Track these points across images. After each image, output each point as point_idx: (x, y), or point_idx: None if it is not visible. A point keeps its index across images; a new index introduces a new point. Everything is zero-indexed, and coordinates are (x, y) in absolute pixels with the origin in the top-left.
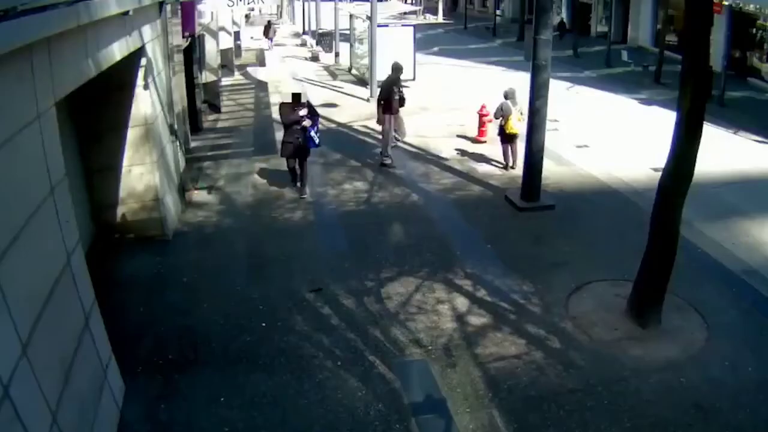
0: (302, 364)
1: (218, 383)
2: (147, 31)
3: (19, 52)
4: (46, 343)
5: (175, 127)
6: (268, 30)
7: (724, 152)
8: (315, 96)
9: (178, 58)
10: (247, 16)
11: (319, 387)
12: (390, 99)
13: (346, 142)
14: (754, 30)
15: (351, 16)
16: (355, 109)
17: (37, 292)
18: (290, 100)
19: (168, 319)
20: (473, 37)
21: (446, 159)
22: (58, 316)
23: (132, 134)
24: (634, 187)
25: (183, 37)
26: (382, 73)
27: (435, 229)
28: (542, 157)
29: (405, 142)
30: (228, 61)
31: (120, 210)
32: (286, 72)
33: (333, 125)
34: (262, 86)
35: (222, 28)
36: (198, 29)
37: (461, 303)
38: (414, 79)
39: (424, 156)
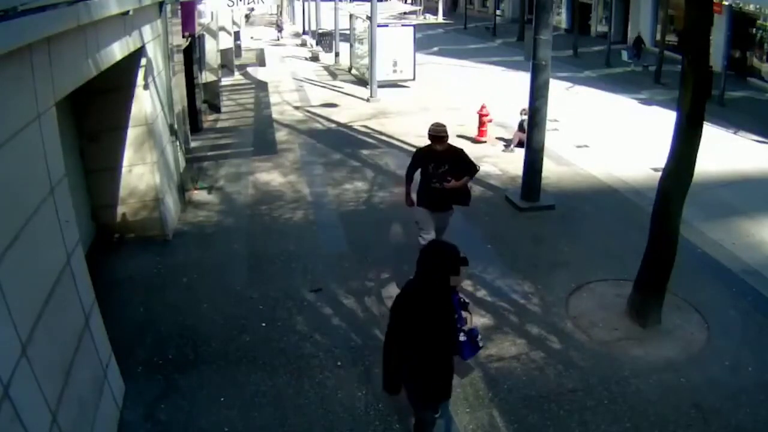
0: (302, 364)
1: (218, 383)
2: (147, 31)
3: (19, 52)
4: (46, 343)
5: (175, 127)
6: (277, 24)
7: (724, 152)
8: (315, 96)
9: (178, 58)
10: (247, 16)
11: (319, 387)
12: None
13: (346, 142)
14: (754, 30)
15: (351, 16)
16: (355, 109)
17: (37, 292)
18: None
19: (168, 319)
20: (473, 37)
21: None
22: (58, 316)
23: (132, 134)
24: (634, 187)
25: (183, 37)
26: (382, 73)
27: None
28: (542, 157)
29: (405, 142)
30: (228, 61)
31: (120, 210)
32: (286, 72)
33: (333, 125)
34: (262, 86)
35: (222, 28)
36: (198, 29)
37: None
38: (414, 79)
39: None
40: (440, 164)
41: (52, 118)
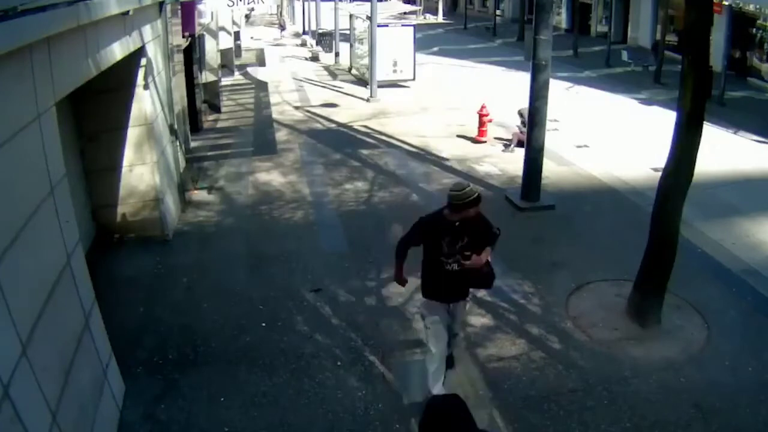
0: (302, 364)
1: (218, 383)
2: (147, 31)
3: (19, 52)
4: (46, 343)
5: (175, 127)
6: (279, 23)
7: (724, 152)
8: (315, 96)
9: (178, 58)
10: (247, 16)
11: (319, 387)
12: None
13: (346, 142)
14: (754, 30)
15: (351, 16)
16: (355, 109)
17: (37, 292)
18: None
19: (168, 319)
20: (473, 37)
21: (446, 159)
22: (58, 316)
23: (132, 134)
24: (634, 187)
25: (183, 37)
26: (382, 73)
27: None
28: (542, 157)
29: (405, 142)
30: (228, 61)
31: (120, 210)
32: (286, 72)
33: (333, 125)
34: (262, 86)
35: (222, 28)
36: (198, 29)
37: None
38: (414, 79)
39: (424, 156)
40: (458, 238)
41: (52, 118)
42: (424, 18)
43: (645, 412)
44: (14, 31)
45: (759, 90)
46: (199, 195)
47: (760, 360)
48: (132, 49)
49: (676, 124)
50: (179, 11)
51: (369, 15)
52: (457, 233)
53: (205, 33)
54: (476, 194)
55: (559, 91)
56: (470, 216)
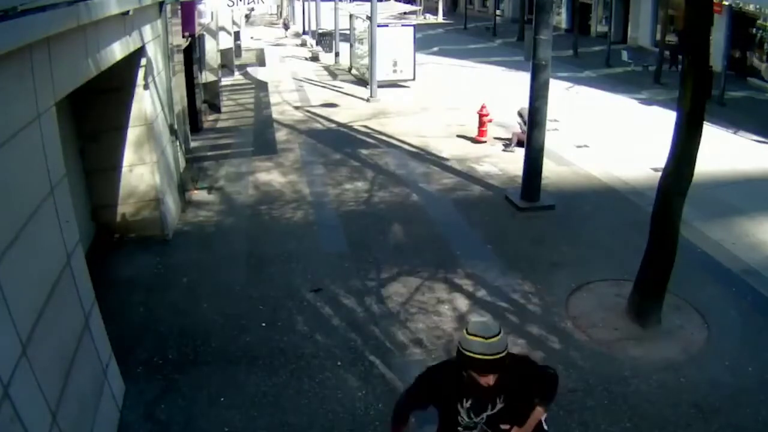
0: (302, 364)
1: (218, 383)
2: (147, 31)
3: (19, 52)
4: (46, 343)
5: (175, 127)
6: (283, 23)
7: (724, 152)
8: (315, 96)
9: (178, 58)
10: (247, 16)
11: (319, 387)
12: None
13: (346, 142)
14: (754, 30)
15: (351, 16)
16: (355, 109)
17: (37, 292)
18: None
19: (168, 319)
20: (473, 37)
21: (446, 159)
22: (58, 316)
23: (132, 134)
24: (634, 187)
25: (183, 37)
26: (382, 73)
27: (435, 229)
28: (542, 157)
29: (405, 142)
30: (228, 61)
31: (120, 210)
32: (286, 72)
33: (333, 125)
34: (262, 86)
35: (222, 28)
36: (198, 29)
37: (461, 303)
38: (414, 79)
39: (424, 156)
40: (487, 400)
41: (52, 118)
42: (424, 18)
43: (645, 412)
44: (14, 31)
45: (759, 90)
46: (199, 195)
47: (760, 360)
48: (132, 49)
49: (676, 124)
50: (179, 11)
51: (369, 15)
52: (486, 395)
53: (205, 33)
54: (500, 354)
55: (559, 91)
56: (482, 384)
